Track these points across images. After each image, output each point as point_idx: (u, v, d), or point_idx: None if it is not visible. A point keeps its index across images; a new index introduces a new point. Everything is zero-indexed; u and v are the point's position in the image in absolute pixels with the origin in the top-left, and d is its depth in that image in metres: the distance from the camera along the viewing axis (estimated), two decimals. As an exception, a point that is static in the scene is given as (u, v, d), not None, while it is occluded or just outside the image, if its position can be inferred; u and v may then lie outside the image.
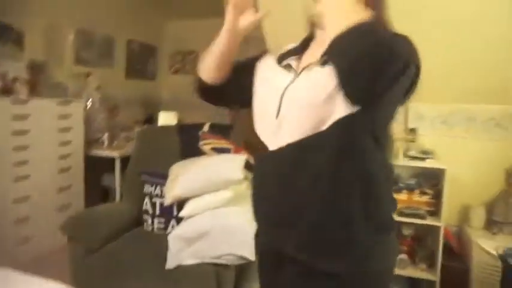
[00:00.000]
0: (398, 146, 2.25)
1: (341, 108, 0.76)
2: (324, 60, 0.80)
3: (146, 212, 2.10)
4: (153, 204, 2.08)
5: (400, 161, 2.19)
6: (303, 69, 0.87)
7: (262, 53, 1.02)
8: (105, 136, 3.34)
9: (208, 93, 1.02)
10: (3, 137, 2.42)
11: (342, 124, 0.77)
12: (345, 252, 0.80)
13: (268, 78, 0.94)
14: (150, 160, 2.28)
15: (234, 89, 1.00)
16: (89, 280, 1.72)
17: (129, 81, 4.26)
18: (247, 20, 0.94)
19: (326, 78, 0.76)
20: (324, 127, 0.78)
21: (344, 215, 0.79)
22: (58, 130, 2.85)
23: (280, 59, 0.95)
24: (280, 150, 0.84)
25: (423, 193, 2.21)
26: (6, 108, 2.45)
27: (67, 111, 2.92)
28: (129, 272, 1.68)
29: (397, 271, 2.16)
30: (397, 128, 2.36)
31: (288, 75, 0.89)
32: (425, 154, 2.17)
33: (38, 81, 2.96)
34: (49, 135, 2.77)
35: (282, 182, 0.84)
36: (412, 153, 2.19)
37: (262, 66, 0.98)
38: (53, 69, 3.23)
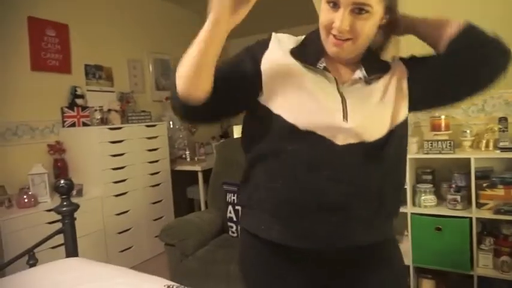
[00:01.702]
0: (488, 138, 2.09)
1: (403, 113, 0.88)
2: (371, 79, 0.88)
3: (230, 219, 2.22)
4: (236, 212, 2.20)
5: (491, 154, 2.02)
6: (346, 81, 0.88)
7: (250, 52, 0.90)
8: (187, 152, 3.62)
9: (196, 111, 0.81)
10: (105, 158, 2.78)
11: (403, 126, 0.89)
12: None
13: (304, 80, 0.84)
14: (230, 171, 2.42)
15: (228, 99, 0.85)
16: (185, 281, 1.88)
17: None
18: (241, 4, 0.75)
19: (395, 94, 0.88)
20: (391, 128, 0.86)
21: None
22: (147, 150, 3.17)
23: (297, 53, 0.87)
24: (351, 146, 0.83)
25: (522, 187, 2.00)
26: (106, 134, 2.81)
27: (153, 133, 3.25)
28: (218, 275, 1.81)
29: (499, 274, 1.97)
30: (482, 118, 2.19)
31: (328, 78, 0.86)
32: (521, 144, 1.98)
33: (127, 110, 3.35)
34: (140, 156, 3.10)
35: (351, 175, 0.84)
36: (505, 144, 2.00)
37: (283, 65, 0.86)
38: (138, 97, 3.62)
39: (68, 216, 1.50)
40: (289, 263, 0.92)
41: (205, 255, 1.99)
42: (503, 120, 2.08)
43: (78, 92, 3.03)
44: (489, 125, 2.11)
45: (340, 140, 0.82)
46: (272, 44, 0.90)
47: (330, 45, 0.82)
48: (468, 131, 2.12)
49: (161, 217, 3.18)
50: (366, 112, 0.85)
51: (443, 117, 2.15)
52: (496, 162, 2.13)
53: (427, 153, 2.10)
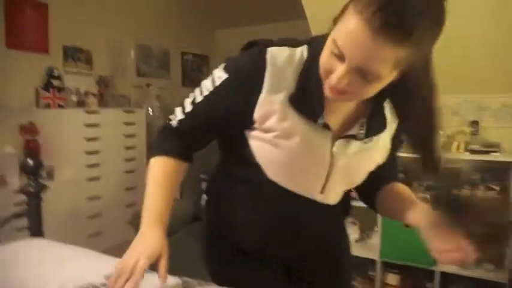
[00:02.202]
0: (459, 140, 2.15)
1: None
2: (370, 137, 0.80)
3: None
4: (211, 201, 2.20)
5: (462, 155, 2.09)
6: (343, 136, 0.79)
7: (239, 89, 0.76)
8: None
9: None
10: (79, 141, 2.72)
11: None
12: None
13: (296, 132, 0.76)
14: (207, 160, 2.41)
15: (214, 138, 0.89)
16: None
17: (185, 90, 4.51)
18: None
19: (379, 155, 0.86)
20: None
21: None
22: (124, 136, 3.11)
23: (297, 102, 0.75)
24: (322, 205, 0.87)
25: (489, 189, 2.08)
26: (81, 117, 2.75)
27: (131, 119, 3.19)
28: (189, 262, 1.81)
29: (461, 271, 2.05)
30: (454, 120, 2.25)
31: (324, 136, 0.78)
32: (490, 147, 2.05)
33: (105, 94, 3.28)
34: (116, 141, 3.05)
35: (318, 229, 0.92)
36: (475, 146, 2.08)
37: (278, 114, 0.75)
38: (118, 82, 3.54)
39: (34, 197, 1.45)
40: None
41: (177, 242, 1.98)
42: (474, 124, 2.15)
43: (55, 73, 2.94)
44: (461, 128, 2.18)
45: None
46: (268, 81, 0.74)
47: (325, 89, 0.70)
48: (441, 133, 2.18)
49: (134, 204, 3.14)
50: (344, 184, 0.88)
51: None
52: (465, 164, 2.21)
53: (401, 152, 2.14)
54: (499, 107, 2.17)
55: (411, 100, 0.73)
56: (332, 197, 0.87)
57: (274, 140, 0.77)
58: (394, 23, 0.56)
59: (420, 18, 0.57)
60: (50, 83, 2.90)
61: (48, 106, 2.86)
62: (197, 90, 0.81)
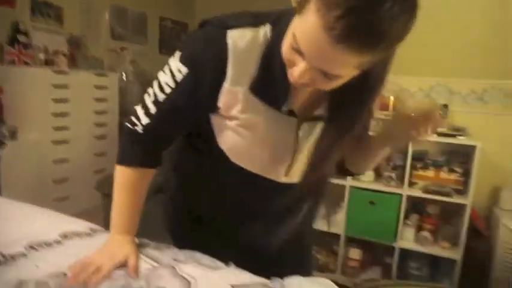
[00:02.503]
0: (427, 122, 2.20)
1: None
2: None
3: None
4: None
5: (429, 137, 2.14)
6: (307, 118, 0.77)
7: (199, 83, 0.72)
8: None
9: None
10: (45, 102, 2.60)
11: None
12: None
13: (259, 122, 0.74)
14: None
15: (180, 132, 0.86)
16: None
17: (162, 57, 4.37)
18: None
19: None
20: None
21: None
22: (95, 100, 3.01)
23: (260, 90, 0.72)
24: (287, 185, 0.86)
25: (452, 171, 2.16)
26: (49, 77, 2.62)
27: (103, 83, 3.07)
28: (154, 230, 1.80)
29: (418, 248, 2.15)
30: (427, 103, 2.30)
31: (290, 123, 0.75)
32: (457, 131, 2.11)
33: (76, 55, 3.12)
34: (87, 105, 2.93)
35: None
36: (442, 129, 2.13)
37: (241, 104, 0.72)
38: (90, 43, 3.38)
39: (-9, 155, 1.39)
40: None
41: (143, 210, 1.95)
42: (444, 107, 2.20)
43: (21, 28, 2.76)
44: (430, 111, 2.23)
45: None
46: (231, 70, 0.69)
47: (290, 77, 0.65)
48: (412, 114, 2.22)
49: (103, 169, 3.08)
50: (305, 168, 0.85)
51: (391, 97, 2.23)
52: (432, 146, 2.28)
53: (372, 131, 2.18)
54: (468, 92, 2.23)
55: (360, 93, 0.69)
56: (297, 177, 0.87)
57: (237, 128, 0.75)
58: (362, 31, 0.50)
59: (391, 25, 0.51)
60: (16, 38, 2.72)
61: (13, 63, 2.70)
62: (156, 87, 0.75)
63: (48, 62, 2.85)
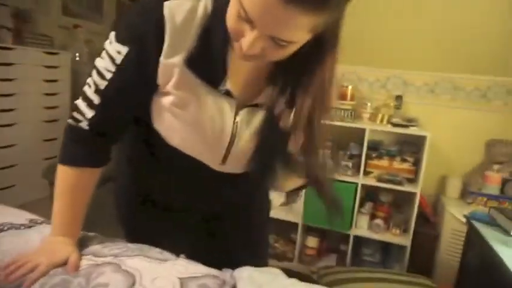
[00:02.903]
0: (384, 113, 2.27)
1: None
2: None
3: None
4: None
5: (384, 127, 2.21)
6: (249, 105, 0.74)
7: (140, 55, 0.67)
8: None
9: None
10: (-14, 82, 2.38)
11: None
12: None
13: (193, 100, 0.70)
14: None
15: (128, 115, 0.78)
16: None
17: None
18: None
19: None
20: None
21: None
22: (45, 81, 2.80)
23: (196, 65, 0.68)
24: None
25: (404, 160, 2.25)
26: (-11, 53, 2.40)
27: (54, 63, 2.87)
28: (105, 220, 1.72)
29: (372, 235, 2.24)
30: (383, 94, 2.37)
31: (227, 104, 0.72)
32: (409, 122, 2.20)
33: (23, 30, 2.88)
34: (35, 85, 2.73)
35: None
36: (397, 120, 2.21)
37: (176, 78, 0.68)
38: (39, 19, 3.13)
39: None
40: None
41: (93, 199, 1.86)
42: (399, 98, 2.27)
43: (-42, -3, 2.50)
44: (387, 101, 2.30)
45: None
46: (168, 41, 0.65)
47: (236, 52, 0.63)
48: (369, 104, 2.28)
49: (54, 156, 2.90)
50: (246, 158, 0.79)
51: (350, 87, 2.27)
52: (387, 136, 2.35)
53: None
54: (421, 84, 2.32)
55: (315, 63, 0.65)
56: (236, 167, 0.82)
57: (171, 108, 0.71)
58: None
59: None
60: (-49, 9, 2.47)
61: None
62: (96, 76, 0.70)
63: (-11, 37, 2.61)
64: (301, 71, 0.66)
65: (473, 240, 1.52)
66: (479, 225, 1.48)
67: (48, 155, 2.87)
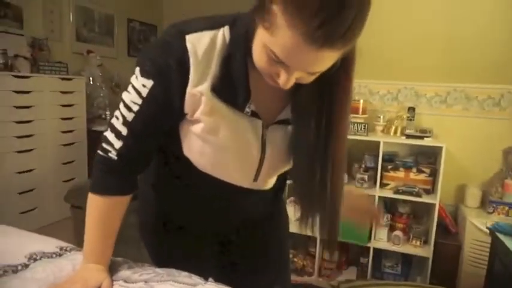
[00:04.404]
0: (397, 124, 2.27)
1: None
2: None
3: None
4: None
5: (398, 139, 2.21)
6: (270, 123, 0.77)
7: (165, 91, 0.70)
8: (107, 112, 3.39)
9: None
10: (6, 110, 2.46)
11: None
12: None
13: (223, 125, 0.73)
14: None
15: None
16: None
17: (131, 60, 4.25)
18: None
19: None
20: None
21: None
22: (61, 106, 2.88)
23: (221, 92, 0.71)
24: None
25: (420, 171, 2.23)
26: (8, 82, 2.48)
27: (69, 88, 2.95)
28: (129, 239, 1.74)
29: (392, 247, 2.21)
30: (395, 106, 2.37)
31: (254, 125, 0.75)
32: (423, 133, 2.19)
33: (39, 58, 2.98)
34: (52, 111, 2.81)
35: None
36: (410, 131, 2.20)
37: (204, 106, 0.71)
38: (54, 46, 3.23)
39: None
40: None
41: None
42: (411, 109, 2.27)
43: (-23, 30, 2.61)
44: (399, 113, 2.30)
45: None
46: (193, 73, 0.68)
47: (269, 82, 0.67)
48: (381, 117, 2.29)
49: (72, 179, 2.95)
50: (279, 169, 0.85)
51: (361, 101, 2.28)
52: (401, 148, 2.35)
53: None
54: (432, 95, 2.32)
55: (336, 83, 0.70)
56: (267, 183, 0.88)
57: (202, 134, 0.74)
58: (339, 34, 0.54)
59: (356, 19, 0.55)
60: (-29, 41, 2.57)
61: (-31, 67, 2.54)
62: (123, 109, 0.73)
63: (7, 67, 2.70)
64: (329, 82, 0.69)
65: (499, 252, 1.50)
66: (503, 237, 1.45)
67: (67, 177, 2.93)
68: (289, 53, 0.57)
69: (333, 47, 0.55)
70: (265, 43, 0.59)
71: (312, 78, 0.64)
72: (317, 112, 0.72)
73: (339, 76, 0.68)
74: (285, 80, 0.62)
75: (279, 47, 0.57)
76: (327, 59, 0.59)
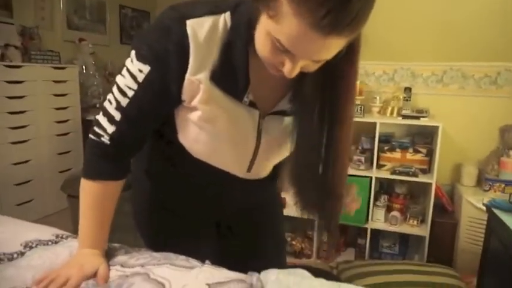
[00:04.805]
0: (394, 105, 2.26)
1: None
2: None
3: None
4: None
5: (394, 120, 2.20)
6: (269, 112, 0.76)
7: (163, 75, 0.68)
8: (102, 101, 3.36)
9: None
10: (-1, 100, 2.43)
11: None
12: None
13: (220, 114, 0.72)
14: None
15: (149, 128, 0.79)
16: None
17: (123, 47, 4.19)
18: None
19: None
20: None
21: None
22: (54, 95, 2.85)
23: (220, 80, 0.69)
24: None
25: (417, 151, 2.23)
26: (1, 72, 2.44)
27: (62, 77, 2.91)
28: (125, 227, 1.75)
29: (389, 227, 2.23)
30: (391, 87, 2.36)
31: (251, 115, 0.75)
32: (420, 113, 2.18)
33: (30, 47, 2.93)
34: (45, 100, 2.78)
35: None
36: (407, 112, 2.19)
37: (202, 93, 0.69)
38: (45, 35, 3.18)
39: None
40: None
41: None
42: (407, 90, 2.26)
43: (-35, 20, 2.55)
44: (396, 94, 2.28)
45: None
46: (192, 59, 0.66)
47: (271, 72, 0.65)
48: (378, 98, 2.27)
49: (69, 169, 2.95)
50: (274, 159, 0.86)
51: (358, 82, 2.26)
52: (398, 128, 2.34)
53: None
54: (429, 74, 2.31)
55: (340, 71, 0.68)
56: (261, 173, 0.88)
57: (199, 122, 0.73)
58: (345, 22, 0.53)
59: (363, 7, 0.54)
60: (-40, 31, 2.52)
61: (-41, 59, 2.50)
62: (117, 93, 0.70)
63: (-2, 56, 2.66)
64: (333, 70, 0.67)
65: (495, 228, 1.51)
66: (499, 213, 1.46)
67: (63, 167, 2.92)
68: (295, 41, 0.55)
69: (340, 34, 0.54)
70: (269, 31, 0.58)
71: (317, 66, 0.62)
72: (321, 101, 0.70)
73: (343, 64, 0.66)
74: (290, 69, 0.60)
75: (284, 35, 0.56)
76: (334, 46, 0.57)
